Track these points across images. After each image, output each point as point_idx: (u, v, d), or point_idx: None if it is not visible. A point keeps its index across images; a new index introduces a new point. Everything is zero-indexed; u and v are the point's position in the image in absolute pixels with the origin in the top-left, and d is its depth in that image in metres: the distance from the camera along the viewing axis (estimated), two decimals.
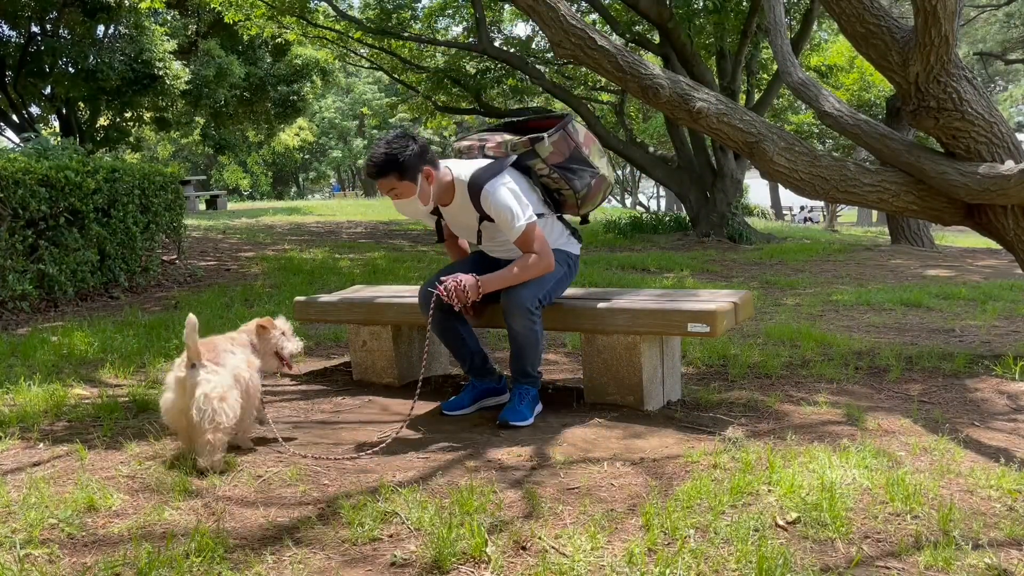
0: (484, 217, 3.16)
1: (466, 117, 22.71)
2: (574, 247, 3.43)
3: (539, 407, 3.28)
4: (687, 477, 2.53)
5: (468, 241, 3.54)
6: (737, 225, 12.25)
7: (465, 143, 3.42)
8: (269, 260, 9.09)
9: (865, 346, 4.48)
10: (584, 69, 15.17)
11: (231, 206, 23.77)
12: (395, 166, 2.99)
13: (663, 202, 39.91)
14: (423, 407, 3.41)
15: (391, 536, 2.15)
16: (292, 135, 34.96)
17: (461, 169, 3.17)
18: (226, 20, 14.80)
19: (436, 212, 3.35)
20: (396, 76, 16.52)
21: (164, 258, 8.06)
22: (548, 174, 3.29)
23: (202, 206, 21.96)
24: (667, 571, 1.93)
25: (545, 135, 3.19)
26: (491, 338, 4.88)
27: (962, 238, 16.33)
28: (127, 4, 14.24)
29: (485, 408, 3.39)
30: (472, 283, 3.06)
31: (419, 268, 8.27)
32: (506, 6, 15.80)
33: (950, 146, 3.93)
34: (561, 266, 3.28)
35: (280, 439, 2.87)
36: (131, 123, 18.34)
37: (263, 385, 2.93)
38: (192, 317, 2.54)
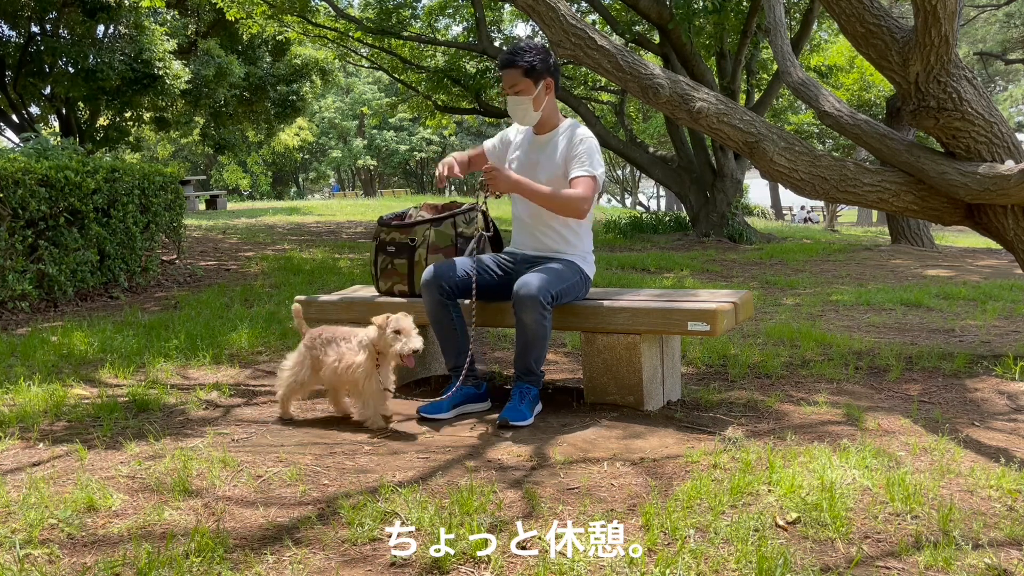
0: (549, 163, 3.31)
1: (466, 117, 22.71)
2: (591, 269, 3.47)
3: (539, 407, 3.28)
4: (687, 477, 2.53)
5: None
6: (737, 225, 12.25)
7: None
8: (269, 260, 9.09)
9: (865, 346, 4.48)
10: (584, 69, 15.18)
11: (231, 206, 23.78)
12: (524, 62, 3.22)
13: (663, 202, 39.91)
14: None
15: (391, 536, 2.15)
16: (292, 135, 34.93)
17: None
18: (228, 17, 14.80)
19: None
20: (396, 76, 16.52)
21: (164, 258, 8.07)
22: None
23: (202, 206, 21.97)
24: (667, 571, 1.93)
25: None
26: (490, 337, 4.88)
27: (962, 238, 16.33)
28: (127, 4, 14.22)
29: (464, 415, 3.29)
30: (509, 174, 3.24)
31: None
32: (506, 6, 15.81)
33: (950, 146, 3.93)
34: (575, 276, 3.32)
35: None
36: (131, 123, 18.31)
37: None
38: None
